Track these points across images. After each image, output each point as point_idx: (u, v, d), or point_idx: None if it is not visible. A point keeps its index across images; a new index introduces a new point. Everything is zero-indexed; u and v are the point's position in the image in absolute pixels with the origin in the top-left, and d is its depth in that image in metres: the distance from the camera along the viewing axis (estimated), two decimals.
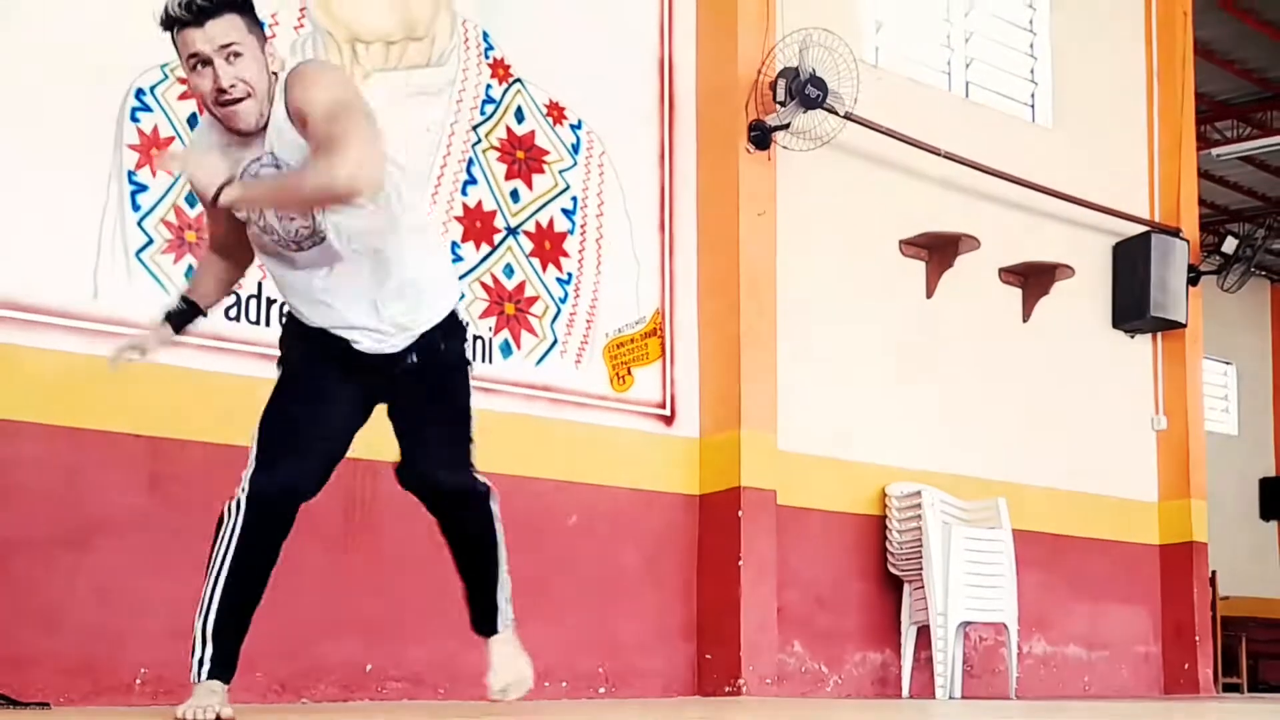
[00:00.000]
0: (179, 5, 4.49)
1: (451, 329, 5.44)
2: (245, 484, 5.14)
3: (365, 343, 5.13)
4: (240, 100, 4.53)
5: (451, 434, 5.59)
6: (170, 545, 7.17)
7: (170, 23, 4.57)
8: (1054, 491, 11.59)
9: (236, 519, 5.09)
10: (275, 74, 4.63)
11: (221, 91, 4.52)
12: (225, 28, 4.49)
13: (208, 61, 4.50)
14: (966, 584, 9.91)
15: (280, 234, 4.82)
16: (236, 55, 4.50)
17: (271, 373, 7.53)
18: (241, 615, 4.99)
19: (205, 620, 4.96)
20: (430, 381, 5.40)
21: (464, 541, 5.78)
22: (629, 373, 9.04)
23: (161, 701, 6.93)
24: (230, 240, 5.23)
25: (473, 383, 7.53)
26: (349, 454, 7.81)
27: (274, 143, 4.64)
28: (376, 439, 7.92)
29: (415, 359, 5.26)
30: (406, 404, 5.42)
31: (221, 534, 5.07)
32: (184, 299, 5.36)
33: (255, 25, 4.62)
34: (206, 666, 4.86)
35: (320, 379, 5.22)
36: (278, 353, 5.16)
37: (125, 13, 7.38)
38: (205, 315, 5.38)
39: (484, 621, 5.85)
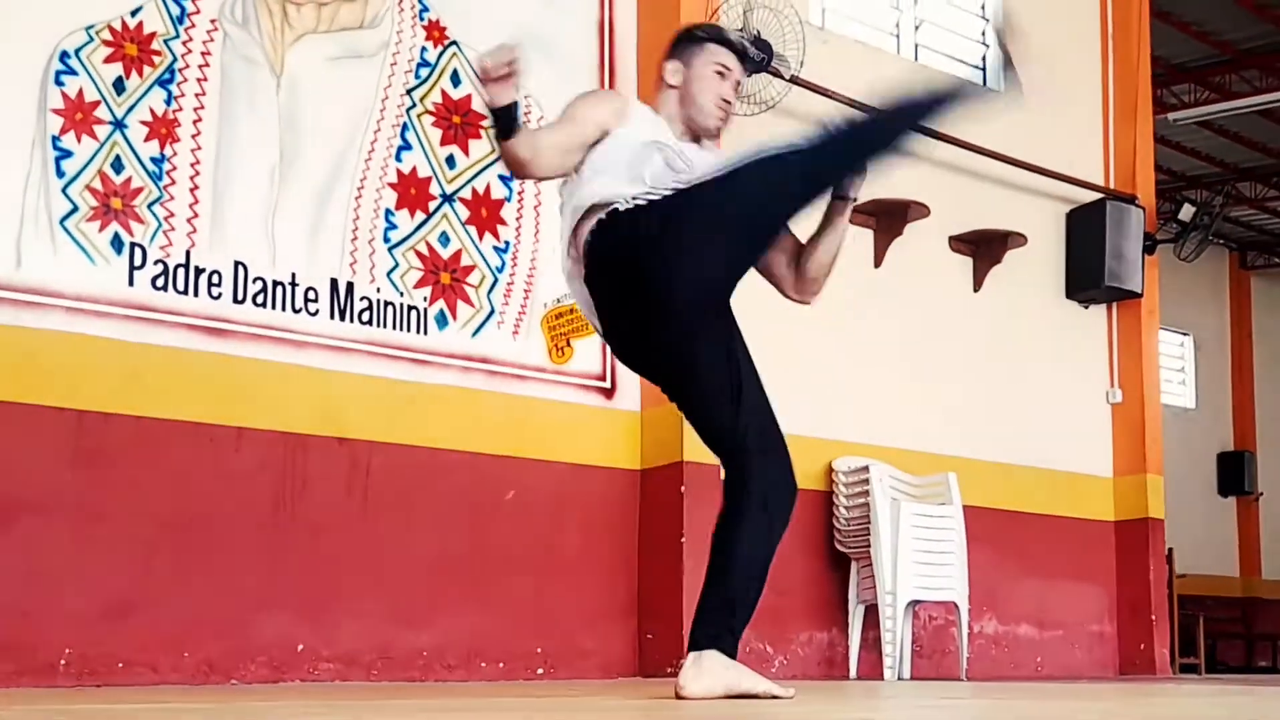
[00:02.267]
0: (750, 48, 5.24)
1: None
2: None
3: None
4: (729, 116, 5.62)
5: None
6: (95, 522, 7.29)
7: (721, 41, 5.67)
8: (1006, 466, 11.71)
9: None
10: None
11: (728, 102, 5.60)
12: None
13: (728, 74, 5.58)
14: (915, 562, 10.00)
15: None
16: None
17: (200, 344, 7.66)
18: None
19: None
20: None
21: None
22: (568, 344, 9.12)
23: (86, 682, 7.04)
24: None
25: (411, 354, 7.68)
26: (281, 429, 7.96)
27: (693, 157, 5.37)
28: (307, 414, 8.07)
29: None
30: None
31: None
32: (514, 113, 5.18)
33: None
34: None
35: None
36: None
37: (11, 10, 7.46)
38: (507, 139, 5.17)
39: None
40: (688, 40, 5.64)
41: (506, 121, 5.14)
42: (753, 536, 5.46)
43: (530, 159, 5.24)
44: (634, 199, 5.12)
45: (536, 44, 9.28)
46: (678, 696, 4.99)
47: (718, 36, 5.74)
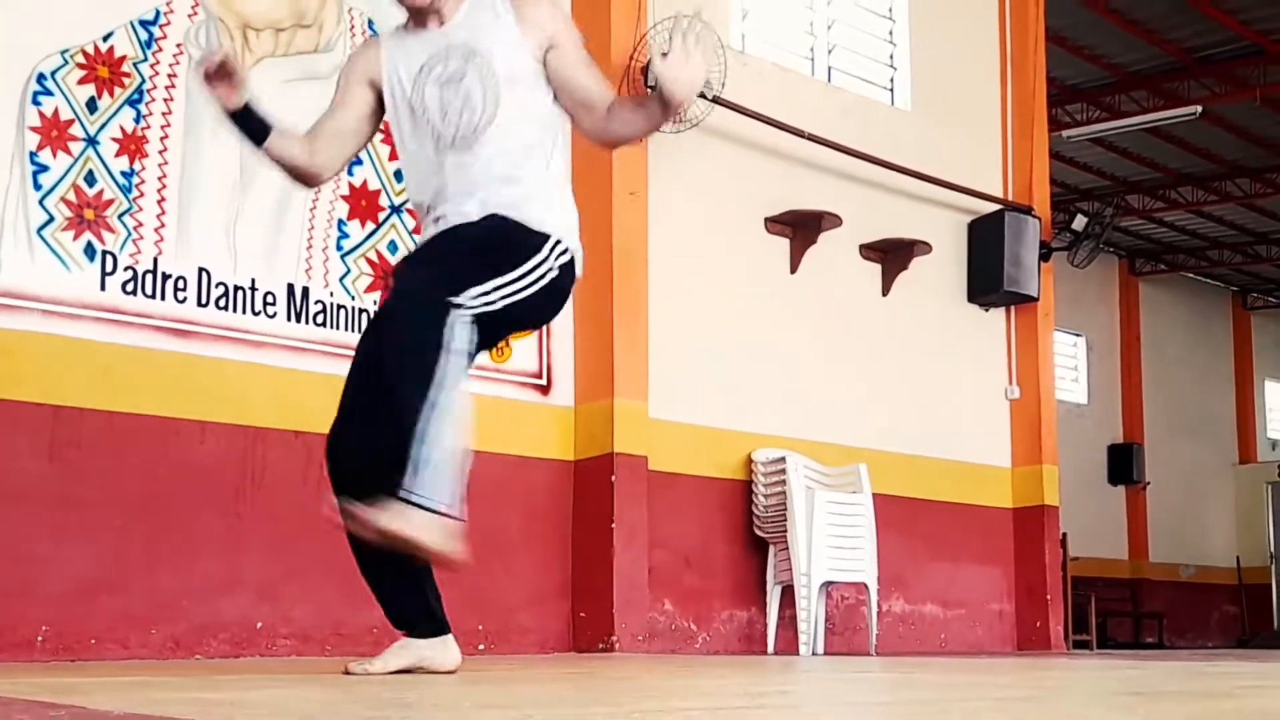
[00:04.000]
0: None
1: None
2: None
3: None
4: None
5: None
6: (70, 510, 7.33)
7: None
8: (912, 457, 11.78)
9: None
10: None
11: None
12: None
13: None
14: (829, 546, 10.04)
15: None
16: None
17: (167, 344, 7.73)
18: None
19: None
20: None
21: None
22: (507, 344, 9.18)
23: (62, 658, 7.07)
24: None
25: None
26: (242, 423, 8.03)
27: (468, 39, 4.94)
28: (266, 409, 8.15)
29: None
30: None
31: None
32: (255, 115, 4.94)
33: None
34: None
35: None
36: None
37: (25, 1, 7.53)
38: (260, 144, 4.98)
39: None
40: None
41: (249, 126, 4.90)
42: None
43: (307, 158, 5.04)
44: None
45: None
46: None
47: None
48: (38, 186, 7.44)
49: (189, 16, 8.09)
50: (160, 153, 7.88)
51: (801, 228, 10.97)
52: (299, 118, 8.43)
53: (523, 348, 9.21)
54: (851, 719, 3.03)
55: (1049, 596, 12.55)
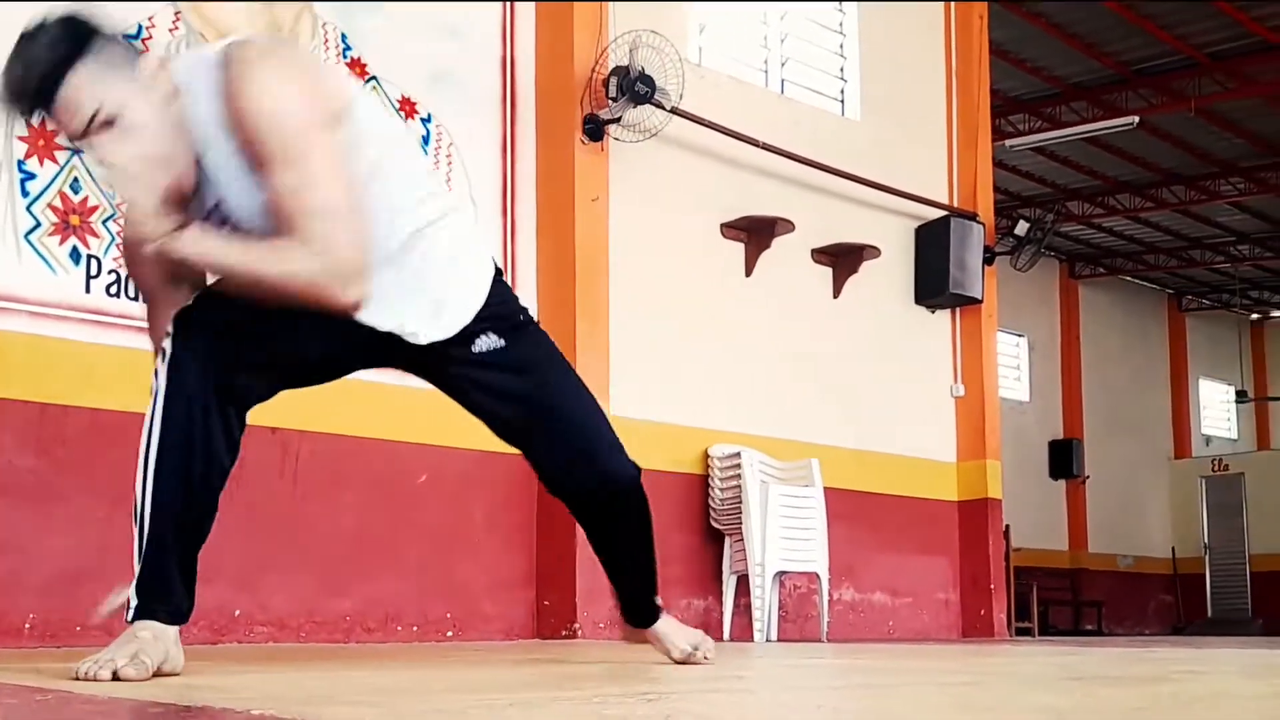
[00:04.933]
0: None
1: None
2: None
3: None
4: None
5: None
6: (56, 503, 7.35)
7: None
8: (862, 453, 11.80)
9: None
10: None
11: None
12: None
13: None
14: (782, 537, 10.09)
15: None
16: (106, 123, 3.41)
17: (149, 344, 7.74)
18: None
19: None
20: None
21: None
22: None
23: (48, 644, 7.08)
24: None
25: None
26: None
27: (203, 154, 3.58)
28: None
29: None
30: None
31: None
32: None
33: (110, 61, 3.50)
34: None
35: None
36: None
37: (11, 16, 7.54)
38: None
39: (639, 613, 4.83)
40: None
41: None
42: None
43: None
44: None
45: (447, 80, 9.43)
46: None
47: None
48: (25, 193, 7.45)
49: (170, 31, 8.10)
50: None
51: (756, 233, 10.99)
52: None
53: None
54: (807, 701, 3.07)
55: (992, 586, 12.57)
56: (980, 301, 12.69)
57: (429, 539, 8.91)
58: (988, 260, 12.78)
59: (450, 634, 8.89)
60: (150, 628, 3.67)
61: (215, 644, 7.70)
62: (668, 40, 9.76)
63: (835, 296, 11.89)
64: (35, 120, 3.51)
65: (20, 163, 7.44)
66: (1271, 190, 22.13)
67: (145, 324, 4.04)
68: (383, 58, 9.07)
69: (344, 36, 8.88)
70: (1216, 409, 29.79)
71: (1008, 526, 14.32)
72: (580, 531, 8.32)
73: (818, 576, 10.47)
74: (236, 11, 8.43)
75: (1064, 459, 24.67)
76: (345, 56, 8.87)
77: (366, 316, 3.80)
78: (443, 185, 4.80)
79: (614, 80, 9.65)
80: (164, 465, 3.78)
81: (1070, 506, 24.94)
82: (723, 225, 10.95)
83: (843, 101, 12.31)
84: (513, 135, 9.72)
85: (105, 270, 7.67)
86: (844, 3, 12.31)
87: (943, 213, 12.62)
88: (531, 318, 4.33)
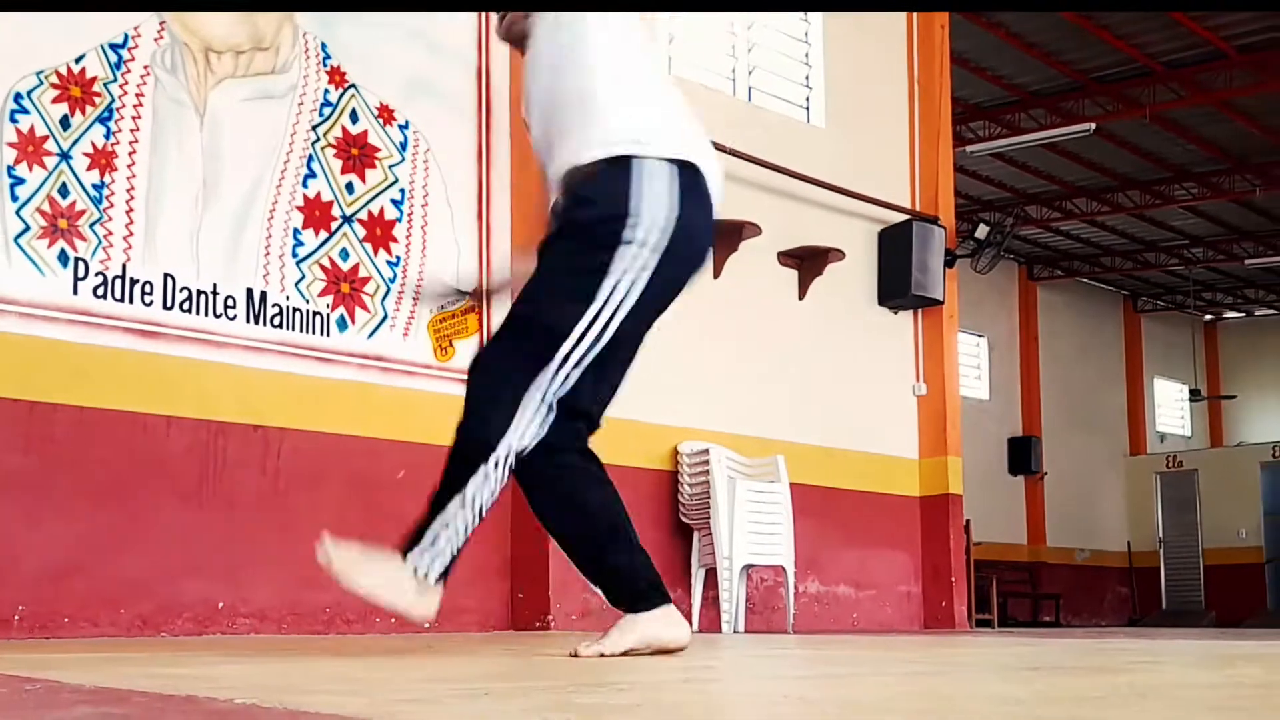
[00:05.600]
0: None
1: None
2: None
3: None
4: None
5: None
6: (45, 498, 7.36)
7: None
8: (827, 449, 11.79)
9: None
10: None
11: None
12: None
13: None
14: (749, 531, 10.12)
15: None
16: None
17: (134, 345, 7.76)
18: None
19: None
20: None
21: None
22: (451, 344, 9.22)
23: (37, 635, 7.09)
24: None
25: (316, 353, 7.66)
26: (204, 418, 8.06)
27: None
28: (227, 405, 8.18)
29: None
30: None
31: None
32: None
33: None
34: None
35: None
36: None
37: (1, 26, 7.52)
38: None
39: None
40: None
41: None
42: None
43: None
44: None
45: (424, 88, 9.44)
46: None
47: None
48: (15, 198, 7.45)
49: (155, 40, 8.11)
50: (129, 166, 7.90)
51: (724, 236, 10.94)
52: (257, 131, 8.52)
53: (465, 347, 9.22)
54: (774, 691, 3.08)
55: (953, 579, 12.56)
56: (941, 303, 12.69)
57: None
58: (949, 263, 12.77)
59: (427, 625, 8.88)
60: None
61: (199, 635, 7.72)
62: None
63: (801, 298, 11.89)
64: None
65: (10, 168, 7.44)
66: (1224, 195, 22.26)
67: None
68: (362, 67, 9.08)
69: (324, 45, 8.88)
70: (1171, 407, 29.93)
71: (968, 521, 14.35)
72: None
73: (784, 570, 10.50)
74: (221, 21, 8.44)
75: (1023, 455, 24.76)
76: (325, 65, 8.88)
77: None
78: None
79: None
80: None
81: (1029, 502, 25.03)
82: None
83: (808, 109, 12.32)
84: (488, 141, 9.73)
85: (92, 272, 7.68)
86: (809, 13, 12.33)
87: (905, 217, 12.64)
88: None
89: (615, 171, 4.18)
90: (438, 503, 4.35)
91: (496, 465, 4.36)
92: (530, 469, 4.54)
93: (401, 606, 4.36)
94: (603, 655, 4.33)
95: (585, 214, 4.27)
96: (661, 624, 4.54)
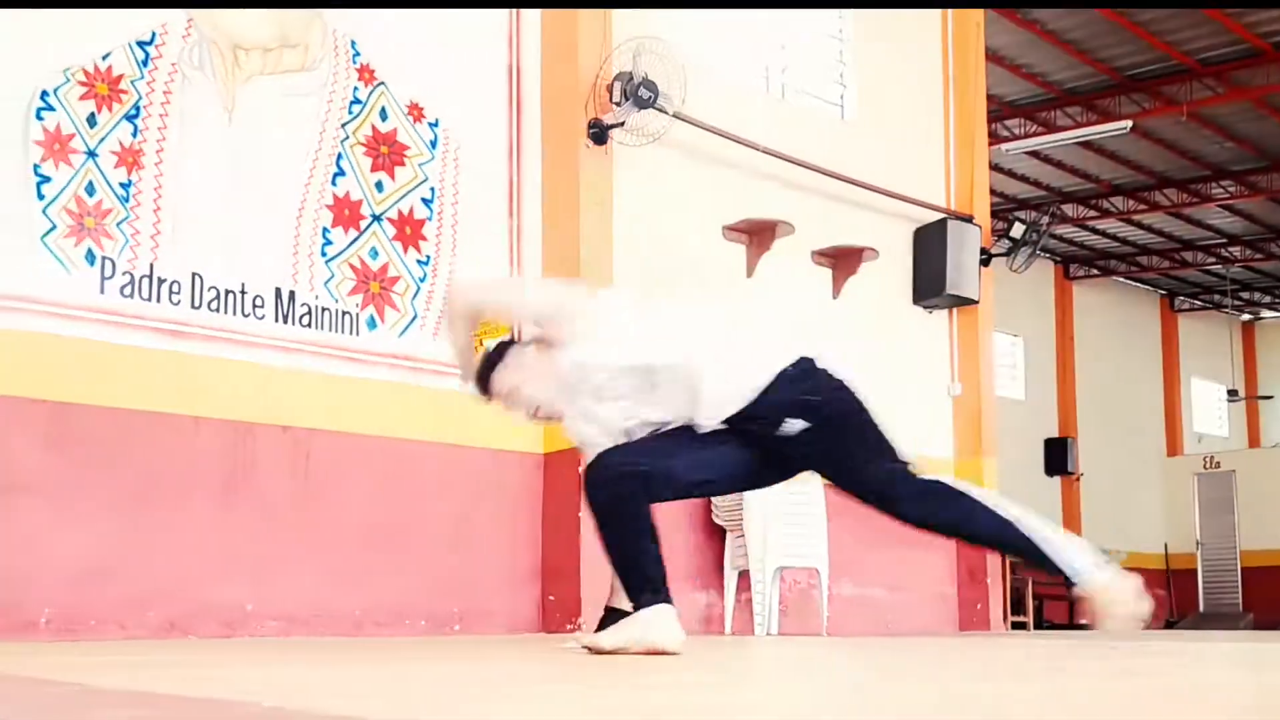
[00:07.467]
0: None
1: None
2: None
3: None
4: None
5: None
6: (71, 499, 7.36)
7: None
8: None
9: None
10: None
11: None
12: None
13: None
14: (783, 533, 10.08)
15: None
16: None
17: (162, 344, 7.75)
18: None
19: None
20: None
21: None
22: (481, 344, 9.19)
23: (64, 638, 7.08)
24: None
25: (346, 353, 7.64)
26: (232, 418, 8.05)
27: None
28: (255, 406, 8.16)
29: None
30: None
31: None
32: None
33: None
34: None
35: None
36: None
37: (29, 22, 7.53)
38: None
39: None
40: None
41: None
42: None
43: None
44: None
45: (455, 85, 9.42)
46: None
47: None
48: (41, 196, 7.46)
49: (183, 38, 8.11)
50: (156, 165, 7.90)
51: (757, 235, 10.98)
52: (285, 129, 8.50)
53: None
54: (800, 692, 3.06)
55: (989, 581, 12.54)
56: (976, 302, 12.68)
57: (437, 534, 8.92)
58: (984, 262, 12.77)
59: (458, 628, 8.88)
60: None
61: (227, 638, 7.71)
62: (670, 46, 9.74)
63: (835, 297, 11.88)
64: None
65: (36, 166, 7.45)
66: (1261, 194, 22.15)
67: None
68: (392, 64, 9.09)
69: (353, 43, 8.88)
70: (1208, 407, 29.82)
71: None
72: (585, 529, 8.28)
73: (818, 572, 10.46)
74: (249, 18, 8.43)
75: (1059, 456, 24.70)
76: (355, 62, 8.88)
77: None
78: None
79: (618, 86, 9.66)
80: None
81: (1065, 503, 24.95)
82: (724, 227, 10.94)
83: (842, 106, 12.30)
84: (519, 139, 9.72)
85: (119, 271, 7.68)
86: (844, 10, 12.29)
87: (940, 215, 12.62)
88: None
89: None
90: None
91: None
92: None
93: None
94: (590, 650, 4.74)
95: None
96: (657, 625, 4.73)
